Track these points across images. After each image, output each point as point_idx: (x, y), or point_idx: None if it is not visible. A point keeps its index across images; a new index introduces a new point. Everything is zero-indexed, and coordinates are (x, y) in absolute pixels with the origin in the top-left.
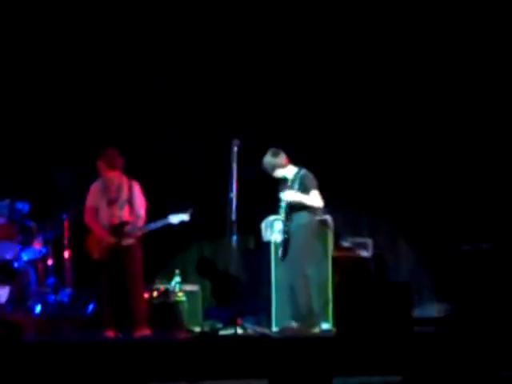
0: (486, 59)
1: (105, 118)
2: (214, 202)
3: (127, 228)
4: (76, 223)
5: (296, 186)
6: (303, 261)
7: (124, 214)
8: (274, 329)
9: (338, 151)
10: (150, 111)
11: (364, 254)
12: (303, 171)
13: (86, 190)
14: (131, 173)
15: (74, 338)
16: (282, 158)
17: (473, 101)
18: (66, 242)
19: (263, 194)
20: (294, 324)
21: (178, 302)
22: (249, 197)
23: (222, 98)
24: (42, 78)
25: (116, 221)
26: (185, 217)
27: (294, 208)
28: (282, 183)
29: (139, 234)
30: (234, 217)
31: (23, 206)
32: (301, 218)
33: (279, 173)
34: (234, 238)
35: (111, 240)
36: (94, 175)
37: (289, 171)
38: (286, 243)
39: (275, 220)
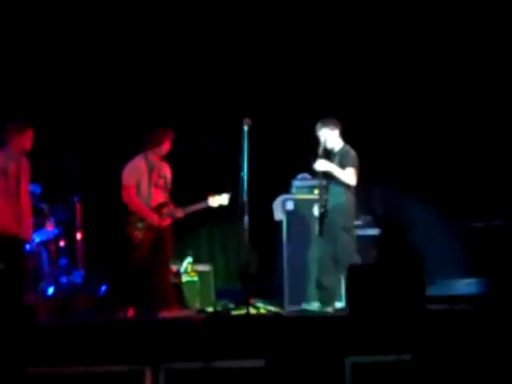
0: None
1: (116, 100)
2: (225, 181)
3: (169, 209)
4: (88, 205)
5: (336, 159)
6: (342, 238)
7: (164, 195)
8: (287, 308)
9: (350, 127)
10: (160, 94)
11: (374, 232)
12: (347, 147)
13: (97, 172)
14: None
15: (88, 318)
16: (339, 128)
17: (488, 80)
18: (78, 223)
19: (275, 174)
20: (316, 304)
21: (188, 283)
22: (260, 176)
23: (233, 76)
24: (56, 65)
25: (157, 201)
26: (224, 200)
27: (332, 185)
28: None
29: (180, 215)
30: (245, 196)
31: (35, 188)
32: (338, 195)
33: (330, 138)
34: (246, 217)
35: (156, 220)
36: (103, 158)
37: (337, 143)
38: (322, 219)
39: (287, 199)
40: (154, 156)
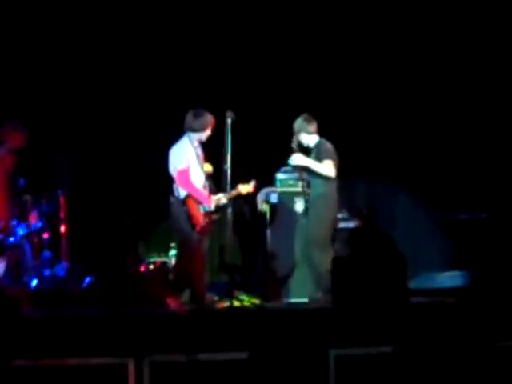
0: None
1: (101, 92)
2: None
3: (215, 195)
4: (72, 197)
5: (313, 154)
6: (320, 229)
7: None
8: (271, 301)
9: (333, 120)
10: (144, 87)
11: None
12: (323, 140)
13: (81, 164)
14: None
15: (71, 311)
16: (312, 125)
17: (477, 76)
18: (62, 216)
19: (258, 166)
20: (320, 294)
21: None
22: (244, 168)
23: (215, 68)
24: (41, 64)
25: (205, 187)
26: (250, 188)
27: (312, 177)
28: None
29: (225, 202)
30: (229, 189)
31: (19, 181)
32: (318, 187)
33: (303, 137)
34: (229, 210)
35: (212, 205)
36: (88, 150)
37: (312, 140)
38: (307, 213)
39: (270, 192)
40: (196, 140)
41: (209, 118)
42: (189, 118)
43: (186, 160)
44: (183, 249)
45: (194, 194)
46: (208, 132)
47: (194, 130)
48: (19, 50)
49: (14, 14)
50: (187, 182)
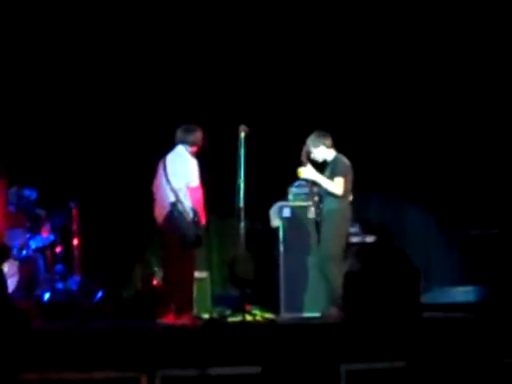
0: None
1: (112, 105)
2: (221, 188)
3: None
4: (85, 210)
5: (328, 169)
6: (334, 244)
7: None
8: (283, 315)
9: (346, 136)
10: (156, 100)
11: (370, 239)
12: (337, 156)
13: (94, 177)
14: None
15: (83, 324)
16: (327, 140)
17: (485, 87)
18: (74, 229)
19: (271, 180)
20: (333, 309)
21: None
22: (257, 183)
23: (229, 83)
24: (49, 70)
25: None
26: None
27: (325, 192)
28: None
29: None
30: (242, 203)
31: (31, 193)
32: (331, 202)
33: (318, 152)
34: (242, 224)
35: (204, 221)
36: (100, 163)
37: (329, 155)
38: (319, 227)
39: (283, 206)
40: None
41: (201, 134)
42: (182, 132)
43: (197, 176)
44: (182, 258)
45: (199, 211)
46: (197, 148)
47: (191, 144)
48: (24, 59)
49: (18, 20)
50: (198, 199)
